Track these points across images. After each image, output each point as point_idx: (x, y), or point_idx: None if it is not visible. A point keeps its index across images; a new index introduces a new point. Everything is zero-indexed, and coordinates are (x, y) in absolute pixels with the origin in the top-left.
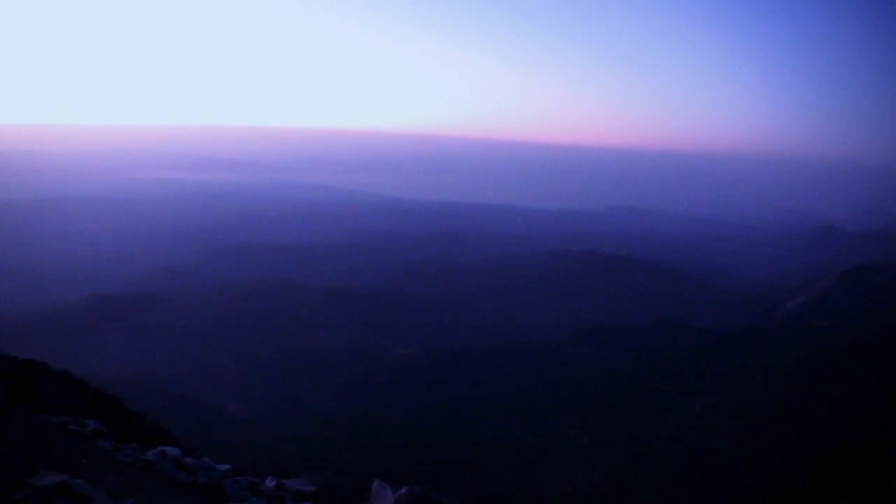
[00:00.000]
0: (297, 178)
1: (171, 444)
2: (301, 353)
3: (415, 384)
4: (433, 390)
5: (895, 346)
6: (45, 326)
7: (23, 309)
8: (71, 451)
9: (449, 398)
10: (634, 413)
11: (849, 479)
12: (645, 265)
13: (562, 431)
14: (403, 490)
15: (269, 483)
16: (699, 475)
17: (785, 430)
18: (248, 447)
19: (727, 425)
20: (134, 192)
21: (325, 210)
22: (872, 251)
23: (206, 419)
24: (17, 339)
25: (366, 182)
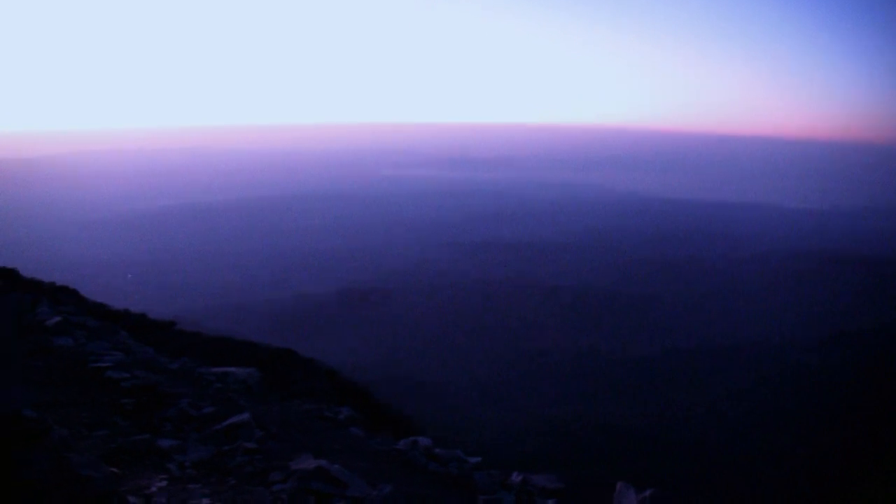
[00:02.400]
0: (536, 175)
1: (419, 434)
2: (539, 351)
3: (652, 387)
4: (673, 394)
5: None
6: (296, 317)
7: (276, 300)
8: (325, 436)
9: (683, 403)
10: (857, 428)
11: None
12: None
13: (773, 443)
14: (647, 493)
15: (516, 478)
16: None
17: None
18: (487, 443)
19: None
20: (379, 188)
21: (566, 207)
22: None
23: (447, 414)
24: (270, 329)
25: (603, 179)
